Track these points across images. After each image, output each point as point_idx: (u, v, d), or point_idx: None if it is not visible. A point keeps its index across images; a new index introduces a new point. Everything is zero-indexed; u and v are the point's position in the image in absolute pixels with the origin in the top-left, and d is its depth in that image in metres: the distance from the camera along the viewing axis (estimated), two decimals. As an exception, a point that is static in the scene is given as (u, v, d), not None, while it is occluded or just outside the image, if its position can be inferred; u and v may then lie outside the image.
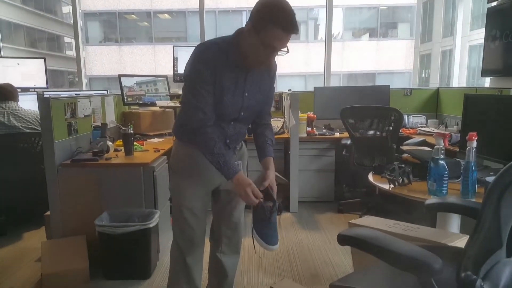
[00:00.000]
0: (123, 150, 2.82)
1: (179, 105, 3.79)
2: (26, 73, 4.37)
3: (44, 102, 2.55)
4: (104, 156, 2.70)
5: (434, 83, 19.05)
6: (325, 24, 4.88)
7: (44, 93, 3.85)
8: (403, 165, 2.06)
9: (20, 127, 3.17)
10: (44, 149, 2.57)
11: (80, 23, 5.23)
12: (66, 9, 24.54)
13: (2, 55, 5.19)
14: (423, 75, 21.67)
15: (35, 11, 22.40)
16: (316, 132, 4.00)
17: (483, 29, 3.62)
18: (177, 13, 20.03)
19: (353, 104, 3.47)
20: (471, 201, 1.69)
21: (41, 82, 4.44)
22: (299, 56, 17.32)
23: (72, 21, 5.09)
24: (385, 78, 19.15)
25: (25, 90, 4.07)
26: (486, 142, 2.05)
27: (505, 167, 1.02)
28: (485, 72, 3.70)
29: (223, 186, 1.80)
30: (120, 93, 3.75)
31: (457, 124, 3.74)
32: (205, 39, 4.74)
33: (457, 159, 2.14)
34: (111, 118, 3.51)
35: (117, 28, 20.41)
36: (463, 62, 14.06)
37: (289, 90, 4.25)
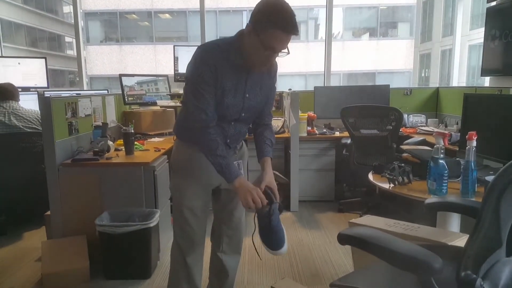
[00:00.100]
0: (123, 149, 2.82)
1: (180, 105, 3.80)
2: (27, 72, 4.38)
3: (44, 102, 2.55)
4: (105, 155, 2.70)
5: (434, 83, 19.05)
6: (325, 24, 4.88)
7: (45, 92, 3.86)
8: (403, 164, 2.06)
9: (21, 126, 3.17)
10: (44, 148, 2.58)
11: (81, 23, 5.23)
12: (67, 8, 24.54)
13: (3, 55, 5.19)
14: (423, 75, 21.66)
15: (36, 11, 22.41)
16: (317, 132, 4.00)
17: (483, 29, 3.63)
18: (178, 13, 20.03)
19: (353, 103, 3.47)
20: (471, 200, 1.70)
21: (42, 81, 4.44)
22: (299, 56, 17.33)
23: (73, 21, 5.09)
24: (385, 78, 19.15)
25: (26, 89, 4.08)
26: (486, 141, 2.05)
27: (504, 166, 1.02)
28: (484, 72, 3.70)
29: (224, 186, 1.80)
30: (121, 92, 3.75)
31: (457, 124, 3.74)
32: (206, 39, 4.77)
33: (457, 159, 2.14)
34: (111, 118, 3.51)
35: (118, 27, 20.42)
36: (463, 62, 14.06)
37: (290, 89, 4.25)
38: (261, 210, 1.60)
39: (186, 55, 3.96)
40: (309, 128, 3.98)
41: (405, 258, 1.05)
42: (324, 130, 4.10)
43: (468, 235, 1.06)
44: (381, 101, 4.09)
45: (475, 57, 14.77)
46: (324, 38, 5.08)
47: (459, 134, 2.96)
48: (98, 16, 20.40)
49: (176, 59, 3.99)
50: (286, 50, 1.53)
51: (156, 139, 3.48)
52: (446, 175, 1.81)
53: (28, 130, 3.20)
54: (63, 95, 3.68)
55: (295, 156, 3.77)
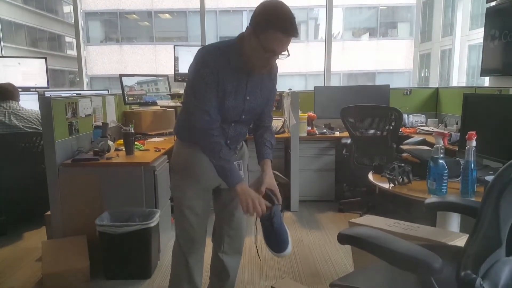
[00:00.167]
0: (124, 149, 2.83)
1: (180, 105, 3.80)
2: (27, 72, 4.38)
3: (45, 102, 2.55)
4: (105, 155, 2.70)
5: (434, 83, 19.06)
6: (325, 24, 4.88)
7: (45, 92, 3.86)
8: (403, 164, 2.06)
9: (21, 126, 3.17)
10: (45, 148, 2.58)
11: (81, 23, 5.24)
12: (67, 8, 24.54)
13: (3, 55, 5.19)
14: (422, 75, 21.66)
15: (36, 11, 22.41)
16: (317, 132, 4.01)
17: (482, 29, 3.63)
18: (178, 13, 20.03)
19: (353, 103, 3.48)
20: (470, 200, 1.70)
21: (42, 81, 4.44)
22: (299, 56, 17.32)
23: (73, 21, 5.09)
24: (385, 78, 19.14)
25: (26, 89, 4.08)
26: (486, 141, 2.05)
27: (504, 166, 1.02)
28: (484, 72, 3.71)
29: (224, 185, 1.80)
30: (121, 92, 3.75)
31: (457, 123, 3.74)
32: (206, 39, 4.77)
33: (457, 158, 2.14)
34: (112, 118, 3.51)
35: (118, 27, 20.41)
36: (463, 62, 14.06)
37: (290, 89, 4.25)
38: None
39: (186, 55, 3.96)
40: (309, 128, 3.99)
41: (405, 258, 1.05)
42: (324, 130, 4.10)
43: (468, 235, 1.06)
44: (381, 101, 4.09)
45: (475, 57, 14.78)
46: (324, 38, 5.08)
47: (458, 134, 2.97)
48: (98, 16, 20.40)
49: (176, 59, 3.99)
50: (286, 52, 1.53)
51: (156, 139, 3.48)
52: (446, 175, 1.81)
53: (29, 130, 3.20)
54: (63, 95, 3.68)
55: (295, 156, 3.77)
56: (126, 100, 3.77)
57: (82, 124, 2.94)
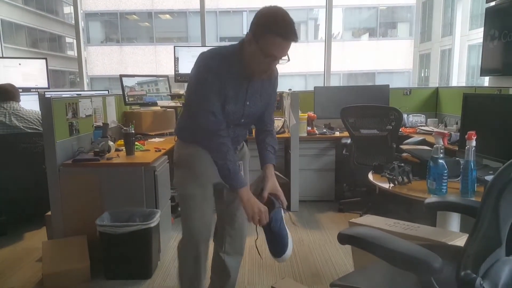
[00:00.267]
0: (124, 150, 2.83)
1: (180, 105, 3.80)
2: (28, 73, 4.38)
3: (45, 102, 2.56)
4: (105, 156, 2.70)
5: (434, 83, 19.05)
6: (325, 24, 4.89)
7: (46, 93, 3.86)
8: (402, 164, 2.06)
9: (22, 127, 3.18)
10: (45, 149, 2.58)
11: (81, 24, 5.24)
12: (68, 9, 24.55)
13: (4, 55, 5.20)
14: (422, 75, 21.66)
15: (36, 12, 22.41)
16: (317, 132, 4.01)
17: (482, 29, 3.63)
18: (178, 14, 20.02)
19: (353, 103, 3.48)
20: (470, 200, 1.70)
21: (42, 82, 4.45)
22: (299, 56, 17.33)
23: (73, 21, 5.10)
24: (384, 78, 19.14)
25: (27, 90, 4.08)
26: (485, 141, 2.05)
27: (503, 166, 1.02)
28: (484, 72, 3.71)
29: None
30: (122, 93, 3.75)
31: (457, 123, 3.74)
32: (206, 39, 4.77)
33: (457, 158, 2.15)
34: (112, 118, 3.52)
35: (119, 28, 20.42)
36: (462, 62, 14.06)
37: (290, 89, 4.25)
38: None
39: (186, 56, 3.97)
40: (309, 128, 3.99)
41: (405, 258, 1.05)
42: (324, 130, 4.10)
43: (468, 235, 1.06)
44: (381, 101, 4.09)
45: (475, 57, 14.78)
46: (324, 38, 5.09)
47: (458, 133, 2.97)
48: (98, 16, 20.40)
49: (176, 60, 4.00)
50: (286, 57, 1.54)
51: (157, 140, 3.49)
52: (445, 174, 1.82)
53: (29, 130, 3.20)
54: (63, 95, 3.68)
55: (295, 156, 3.78)
56: (127, 100, 3.77)
57: (83, 125, 2.94)
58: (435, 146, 1.85)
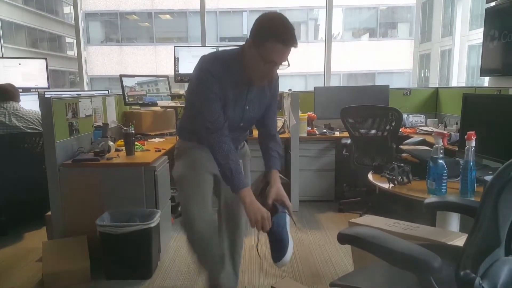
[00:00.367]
0: (124, 150, 2.83)
1: (180, 105, 3.81)
2: (28, 73, 4.38)
3: (45, 102, 2.56)
4: (105, 156, 2.71)
5: (434, 83, 19.05)
6: (325, 24, 4.89)
7: (46, 93, 3.85)
8: (402, 164, 2.07)
9: (22, 127, 3.18)
10: (45, 149, 2.58)
11: (81, 23, 5.25)
12: (68, 9, 24.55)
13: (4, 55, 5.20)
14: (422, 75, 21.66)
15: (36, 11, 22.41)
16: (317, 132, 4.01)
17: (482, 29, 3.63)
18: (178, 14, 20.02)
19: (353, 103, 3.48)
20: (470, 200, 1.71)
21: (42, 82, 4.45)
22: (299, 56, 17.33)
23: (73, 21, 5.10)
24: (384, 78, 19.14)
25: (27, 90, 4.08)
26: (485, 141, 2.06)
27: (503, 166, 1.03)
28: (483, 72, 3.71)
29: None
30: (122, 93, 3.76)
31: (456, 124, 3.74)
32: (206, 40, 4.77)
33: (456, 158, 2.15)
34: (112, 118, 3.52)
35: (118, 28, 20.41)
36: (462, 62, 14.06)
37: (290, 90, 4.25)
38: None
39: (186, 56, 3.96)
40: (309, 128, 3.99)
41: (404, 258, 1.06)
42: (324, 130, 4.11)
43: (467, 235, 1.06)
44: (380, 101, 4.09)
45: (475, 57, 14.78)
46: (324, 38, 5.09)
47: (458, 134, 2.97)
48: (98, 16, 20.40)
49: (176, 60, 4.00)
50: (286, 63, 1.55)
51: (157, 140, 3.49)
52: (445, 175, 1.82)
53: (29, 130, 3.20)
54: (63, 95, 3.67)
55: (295, 156, 3.78)
56: (127, 100, 3.78)
57: (83, 125, 2.94)
58: (434, 146, 1.86)
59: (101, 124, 3.06)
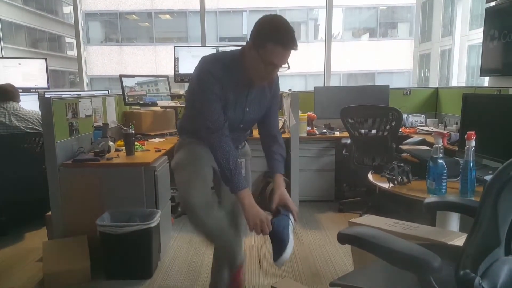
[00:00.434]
0: (124, 150, 2.83)
1: (180, 105, 3.81)
2: (27, 73, 4.38)
3: (45, 102, 2.56)
4: (105, 156, 2.71)
5: (434, 83, 19.05)
6: (325, 24, 4.89)
7: (45, 93, 3.86)
8: (402, 164, 2.07)
9: (21, 127, 3.18)
10: (45, 149, 2.58)
11: (81, 24, 5.25)
12: (67, 9, 24.54)
13: (3, 55, 5.20)
14: (422, 75, 21.67)
15: (36, 12, 22.41)
16: (316, 132, 4.01)
17: (482, 29, 3.64)
18: (178, 14, 20.02)
19: (353, 103, 3.48)
20: (470, 200, 1.71)
21: (42, 82, 4.45)
22: (299, 56, 17.31)
23: (73, 21, 5.10)
24: (384, 78, 19.15)
25: (26, 90, 4.09)
26: (485, 141, 2.06)
27: (502, 166, 1.03)
28: (483, 72, 3.71)
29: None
30: (121, 93, 3.76)
31: (456, 123, 3.74)
32: (206, 40, 4.77)
33: (456, 158, 2.15)
34: (112, 118, 3.52)
35: (118, 28, 20.41)
36: (462, 62, 14.06)
37: (290, 89, 4.25)
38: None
39: (186, 56, 3.96)
40: (309, 128, 3.99)
41: (404, 257, 1.06)
42: (324, 130, 4.11)
43: (467, 234, 1.06)
44: (380, 101, 4.09)
45: (475, 57, 14.79)
46: (324, 38, 5.09)
47: (458, 134, 2.97)
48: (98, 16, 20.40)
49: (176, 60, 4.00)
50: (286, 65, 1.55)
51: (157, 140, 3.49)
52: (445, 174, 1.82)
53: (29, 131, 3.20)
54: (63, 95, 3.68)
55: (295, 156, 3.77)
56: (127, 100, 3.78)
57: (83, 125, 2.95)
58: (434, 146, 1.86)
59: (101, 124, 3.06)
